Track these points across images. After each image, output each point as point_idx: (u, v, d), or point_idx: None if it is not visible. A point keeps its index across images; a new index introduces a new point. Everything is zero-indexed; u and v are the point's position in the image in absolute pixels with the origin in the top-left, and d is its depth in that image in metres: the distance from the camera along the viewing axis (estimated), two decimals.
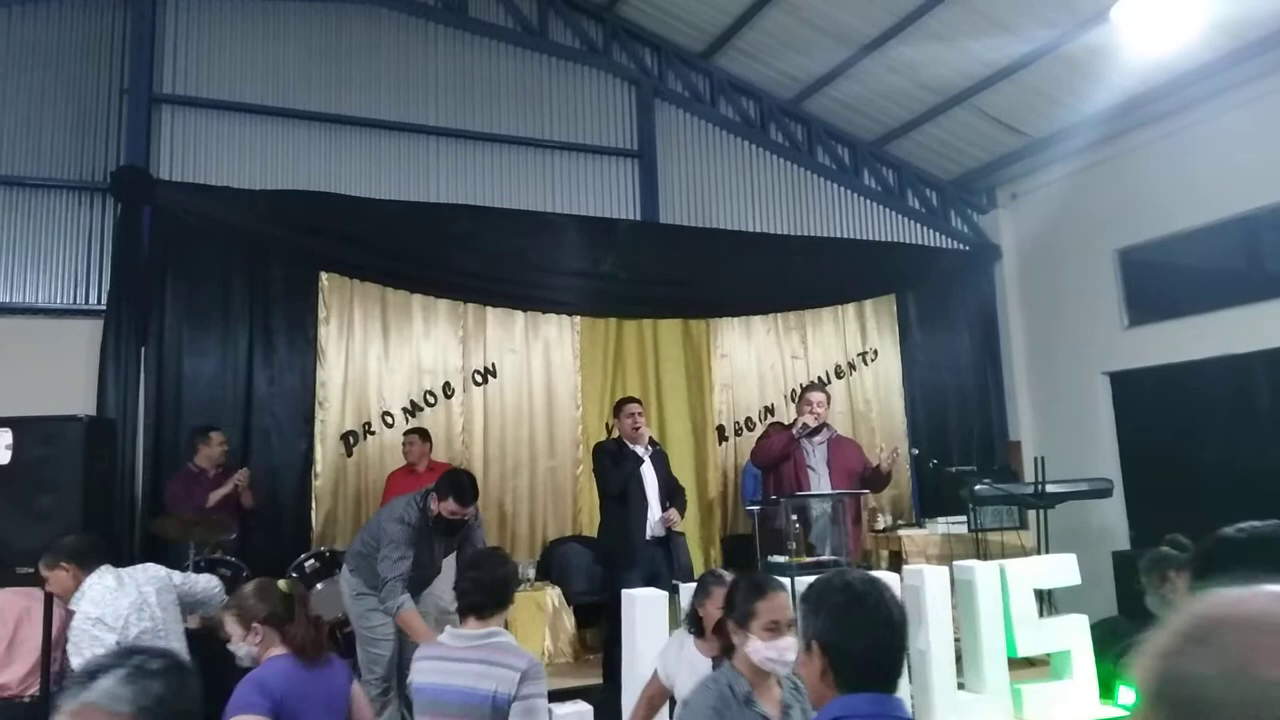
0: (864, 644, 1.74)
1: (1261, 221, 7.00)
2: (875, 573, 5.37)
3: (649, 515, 5.68)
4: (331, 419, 6.72)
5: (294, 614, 2.96)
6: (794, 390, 8.19)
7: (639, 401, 6.14)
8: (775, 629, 2.56)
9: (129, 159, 6.49)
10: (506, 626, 3.14)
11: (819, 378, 8.32)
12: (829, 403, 5.93)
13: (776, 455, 5.77)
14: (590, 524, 7.06)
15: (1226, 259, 7.39)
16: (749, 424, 7.95)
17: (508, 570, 3.22)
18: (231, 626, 2.94)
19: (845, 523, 5.21)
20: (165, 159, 6.66)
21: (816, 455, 5.76)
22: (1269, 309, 6.83)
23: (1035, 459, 6.07)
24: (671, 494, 5.85)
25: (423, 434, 6.51)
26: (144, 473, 6.16)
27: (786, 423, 6.60)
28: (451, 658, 2.93)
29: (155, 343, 6.30)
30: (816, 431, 5.80)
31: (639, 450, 5.79)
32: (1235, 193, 6.96)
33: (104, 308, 6.30)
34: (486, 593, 3.04)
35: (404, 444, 6.44)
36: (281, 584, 3.24)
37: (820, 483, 5.64)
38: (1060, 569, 4.52)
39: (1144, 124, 7.55)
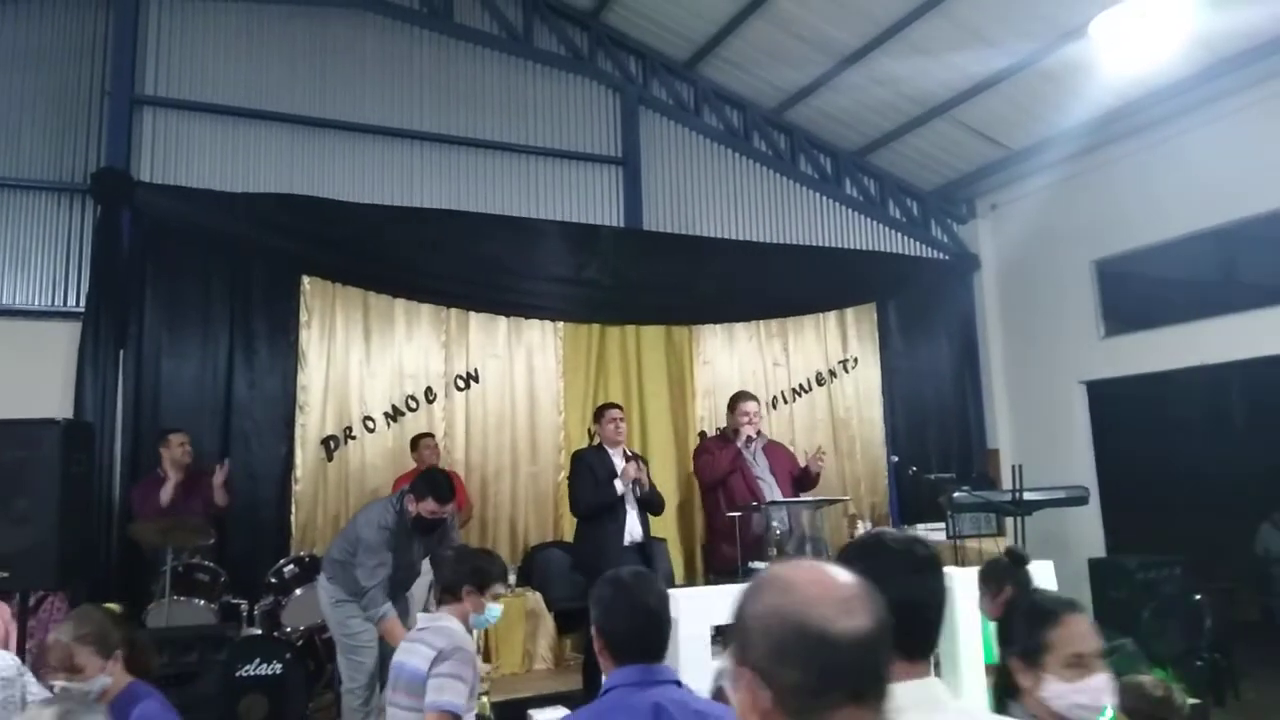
0: (626, 625, 2.12)
1: (1236, 234, 7.08)
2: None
3: (627, 521, 5.67)
4: (312, 423, 6.67)
5: (134, 637, 2.85)
6: (773, 398, 8.22)
7: (619, 407, 6.13)
8: (1079, 664, 2.03)
9: (109, 161, 6.42)
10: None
11: (800, 385, 8.35)
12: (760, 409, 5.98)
13: (726, 470, 5.74)
14: (570, 529, 7.01)
15: (1202, 271, 7.48)
16: (732, 431, 7.94)
17: (475, 563, 3.43)
18: (88, 658, 2.66)
19: (824, 528, 5.23)
20: (146, 161, 6.59)
21: (760, 464, 5.76)
22: (1243, 320, 6.91)
23: (1013, 467, 6.10)
24: (650, 501, 5.84)
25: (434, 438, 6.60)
26: (121, 477, 6.08)
27: (709, 433, 6.59)
28: (410, 638, 3.27)
29: (134, 345, 6.23)
30: (750, 440, 5.81)
31: (618, 463, 5.74)
32: (1211, 205, 7.05)
33: (82, 310, 6.22)
34: (445, 577, 3.37)
35: (423, 447, 6.43)
36: (112, 607, 3.02)
37: (772, 490, 5.64)
38: (1037, 576, 4.53)
39: (1121, 137, 7.64)
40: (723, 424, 7.91)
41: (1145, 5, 5.70)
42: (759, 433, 5.94)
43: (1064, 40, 6.73)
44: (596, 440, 6.05)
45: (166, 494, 5.68)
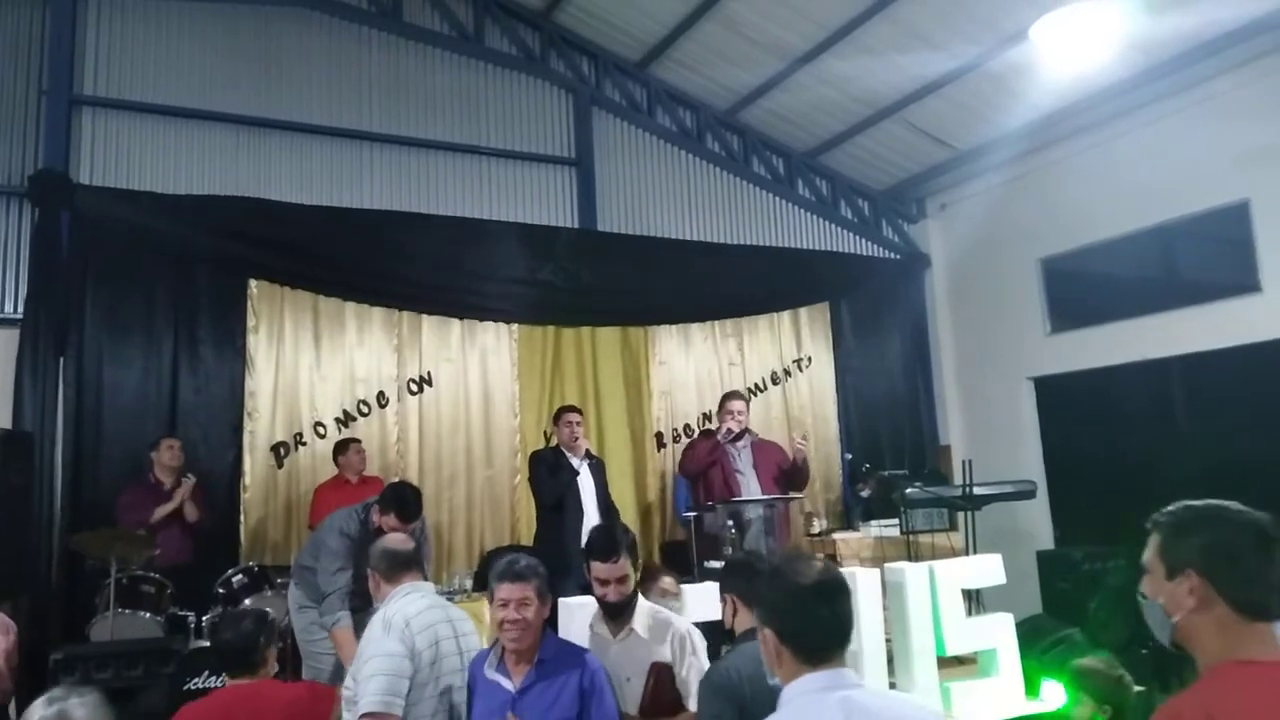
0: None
1: (1175, 232, 7.29)
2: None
3: (585, 524, 5.69)
4: (261, 430, 6.57)
5: None
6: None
7: (578, 410, 6.16)
8: None
9: (47, 162, 6.26)
10: None
11: (755, 384, 8.42)
12: (749, 408, 6.02)
13: (703, 463, 5.82)
14: (529, 533, 7.01)
15: (1143, 268, 7.68)
16: (687, 430, 7.99)
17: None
18: None
19: (779, 526, 5.28)
20: (86, 163, 6.45)
21: (743, 459, 5.84)
22: (1184, 316, 7.12)
23: (963, 462, 6.21)
24: (607, 513, 5.88)
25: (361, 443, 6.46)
26: (63, 487, 5.93)
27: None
28: None
29: (74, 353, 6.08)
30: (739, 437, 5.88)
31: (574, 461, 5.80)
32: (1150, 204, 7.25)
33: (20, 317, 6.05)
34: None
35: (351, 451, 6.33)
36: None
37: (749, 485, 5.71)
38: (987, 569, 4.61)
39: (1064, 138, 7.83)
40: (678, 424, 8.02)
41: (1082, 10, 5.85)
42: (748, 430, 6.00)
43: (1006, 44, 6.88)
44: (554, 442, 6.07)
45: (162, 512, 5.71)
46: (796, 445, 5.93)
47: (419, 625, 3.00)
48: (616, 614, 3.17)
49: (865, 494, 7.78)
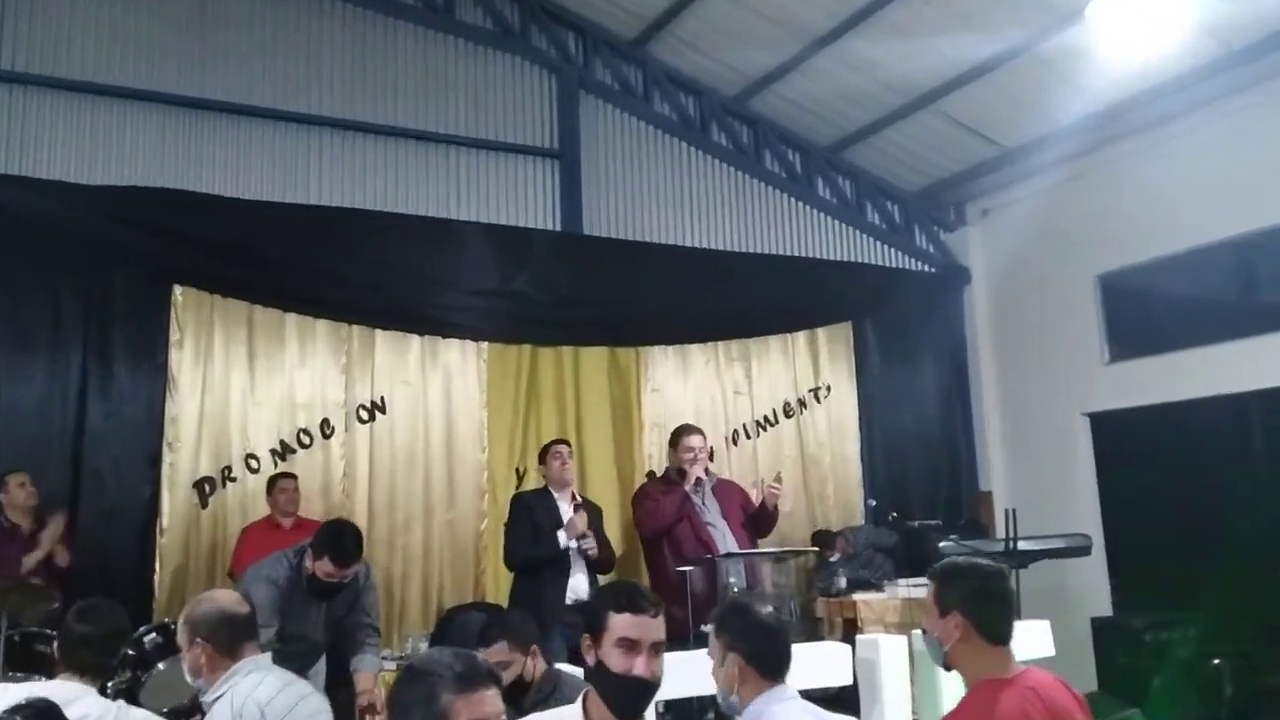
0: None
1: (1256, 246, 7.31)
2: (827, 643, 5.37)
3: (571, 579, 5.66)
4: (183, 462, 6.53)
5: None
6: (734, 432, 8.26)
7: (568, 443, 6.19)
8: None
9: None
10: None
11: (765, 417, 8.41)
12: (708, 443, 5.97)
13: (670, 520, 5.72)
14: (494, 588, 6.98)
15: (1218, 287, 7.71)
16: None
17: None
18: None
19: (790, 582, 5.24)
20: None
21: (711, 508, 5.76)
22: (1265, 343, 7.13)
23: (1006, 511, 6.21)
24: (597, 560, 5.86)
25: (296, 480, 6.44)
26: None
27: (658, 473, 6.50)
28: None
29: None
30: (699, 482, 5.81)
31: (561, 506, 5.78)
32: (1226, 213, 7.28)
33: None
34: None
35: (278, 490, 6.31)
36: None
37: (725, 539, 5.65)
38: (1033, 638, 4.60)
39: (1127, 134, 7.88)
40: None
41: None
42: (708, 471, 5.94)
43: (1060, 25, 6.93)
44: (529, 482, 6.05)
45: (32, 561, 5.61)
46: (769, 488, 5.88)
47: (275, 713, 2.89)
48: None
49: (834, 559, 7.61)
